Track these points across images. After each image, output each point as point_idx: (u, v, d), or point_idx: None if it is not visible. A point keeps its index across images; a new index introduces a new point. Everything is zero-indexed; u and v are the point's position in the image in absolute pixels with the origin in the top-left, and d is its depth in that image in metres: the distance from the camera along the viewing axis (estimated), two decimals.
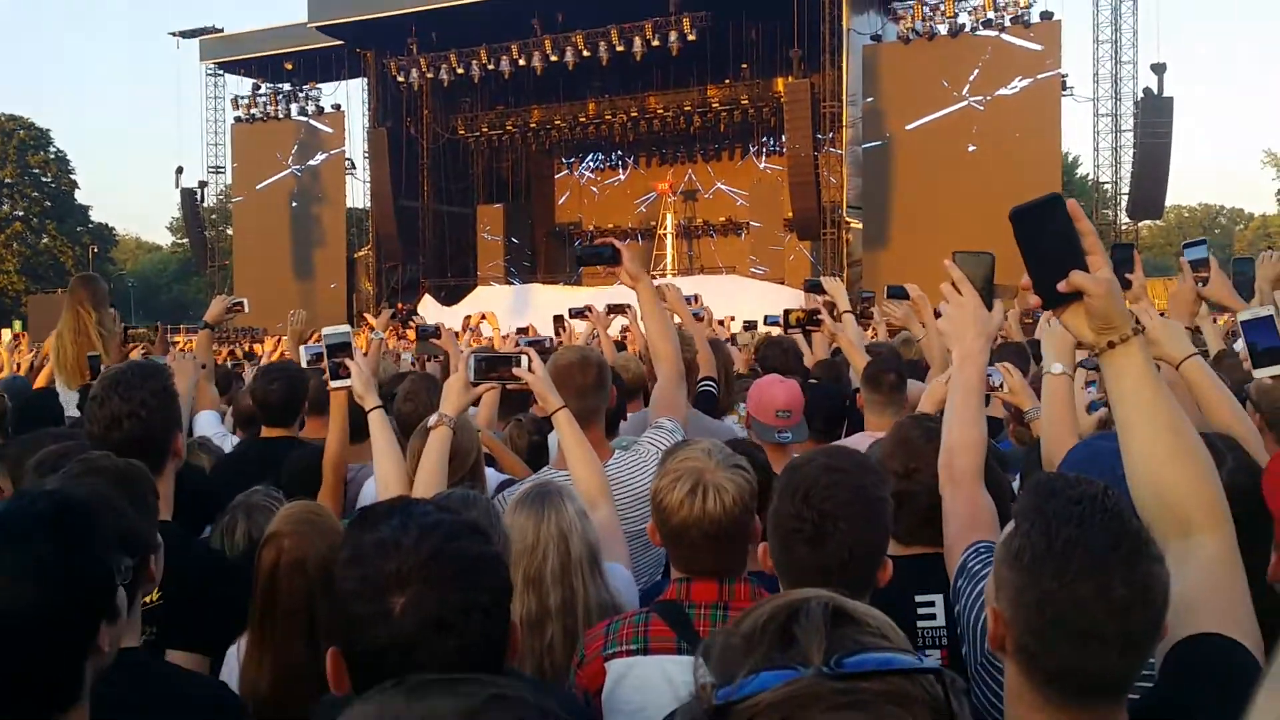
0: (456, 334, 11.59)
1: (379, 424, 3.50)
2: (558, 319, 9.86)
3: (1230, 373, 3.66)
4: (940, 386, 4.70)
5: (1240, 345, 3.30)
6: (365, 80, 39.81)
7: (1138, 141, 31.80)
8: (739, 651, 0.96)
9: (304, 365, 4.83)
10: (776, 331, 8.99)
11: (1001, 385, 4.26)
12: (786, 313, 6.81)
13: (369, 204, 39.99)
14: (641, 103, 37.82)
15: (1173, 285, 4.56)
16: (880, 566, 2.27)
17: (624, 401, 5.20)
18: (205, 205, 45.13)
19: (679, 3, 31.85)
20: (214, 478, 4.54)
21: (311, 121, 41.17)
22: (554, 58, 34.15)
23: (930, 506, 2.68)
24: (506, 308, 27.48)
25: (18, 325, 36.57)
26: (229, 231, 45.77)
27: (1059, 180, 31.54)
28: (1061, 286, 1.79)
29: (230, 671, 2.72)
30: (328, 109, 41.22)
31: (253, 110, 42.08)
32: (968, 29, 31.17)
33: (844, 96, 31.74)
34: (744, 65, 35.59)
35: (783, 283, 32.94)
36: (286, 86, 41.87)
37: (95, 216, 65.76)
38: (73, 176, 63.67)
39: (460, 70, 35.80)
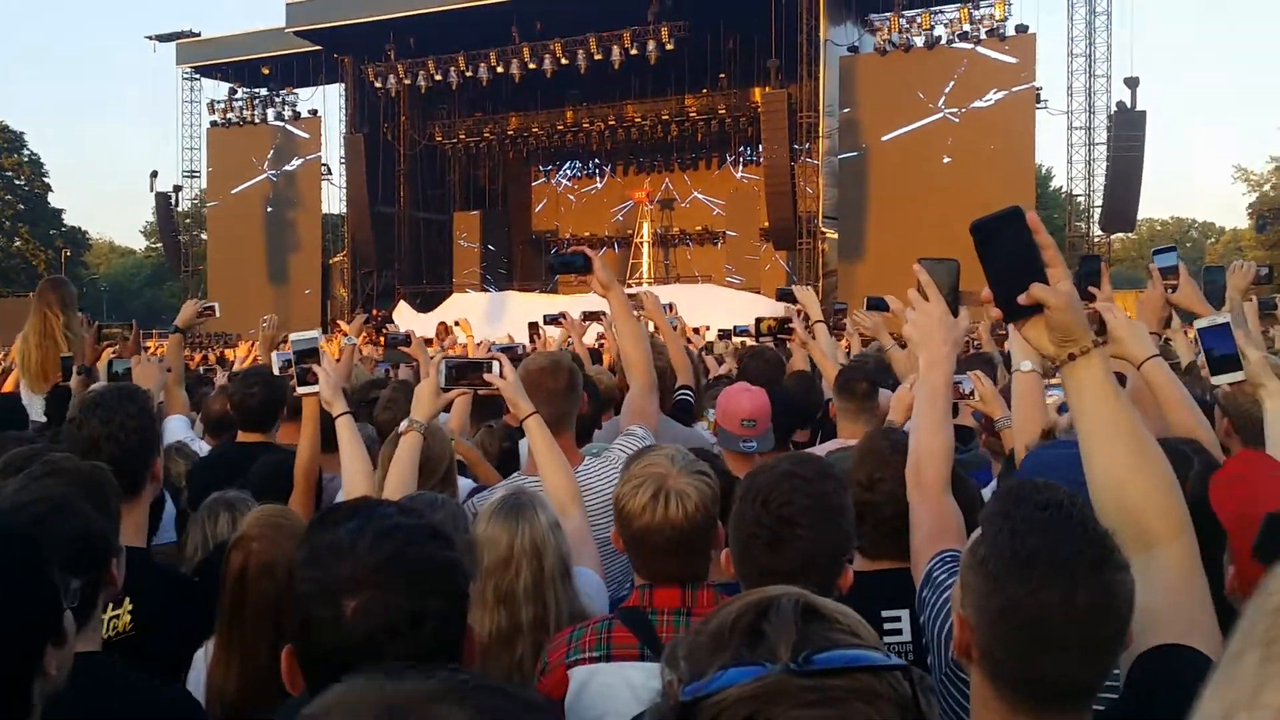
0: (429, 341, 11.56)
1: (346, 430, 3.49)
2: (533, 326, 9.85)
3: (1200, 382, 3.69)
4: (909, 394, 4.71)
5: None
6: (342, 86, 39.70)
7: (1110, 155, 32.05)
8: (708, 649, 0.96)
9: (276, 372, 4.80)
10: (749, 341, 9.01)
11: (972, 393, 4.28)
12: (758, 321, 6.82)
13: (345, 210, 39.86)
14: (619, 111, 37.84)
15: (1142, 294, 4.59)
16: (840, 573, 2.27)
17: (598, 411, 5.20)
18: (180, 209, 44.86)
19: (657, 12, 31.90)
20: (189, 481, 4.52)
21: (288, 127, 41.01)
22: (532, 65, 34.16)
23: (895, 517, 2.68)
24: (482, 315, 27.39)
25: None
26: (203, 236, 45.51)
27: (1033, 192, 31.76)
28: (1022, 299, 1.79)
29: (197, 674, 2.70)
30: (304, 114, 41.08)
31: (229, 115, 41.89)
32: (944, 41, 31.36)
33: (821, 107, 31.87)
34: (722, 75, 35.71)
35: (758, 292, 32.94)
36: (263, 91, 41.71)
37: (69, 220, 65.24)
38: (46, 179, 63.18)
39: (438, 77, 35.75)
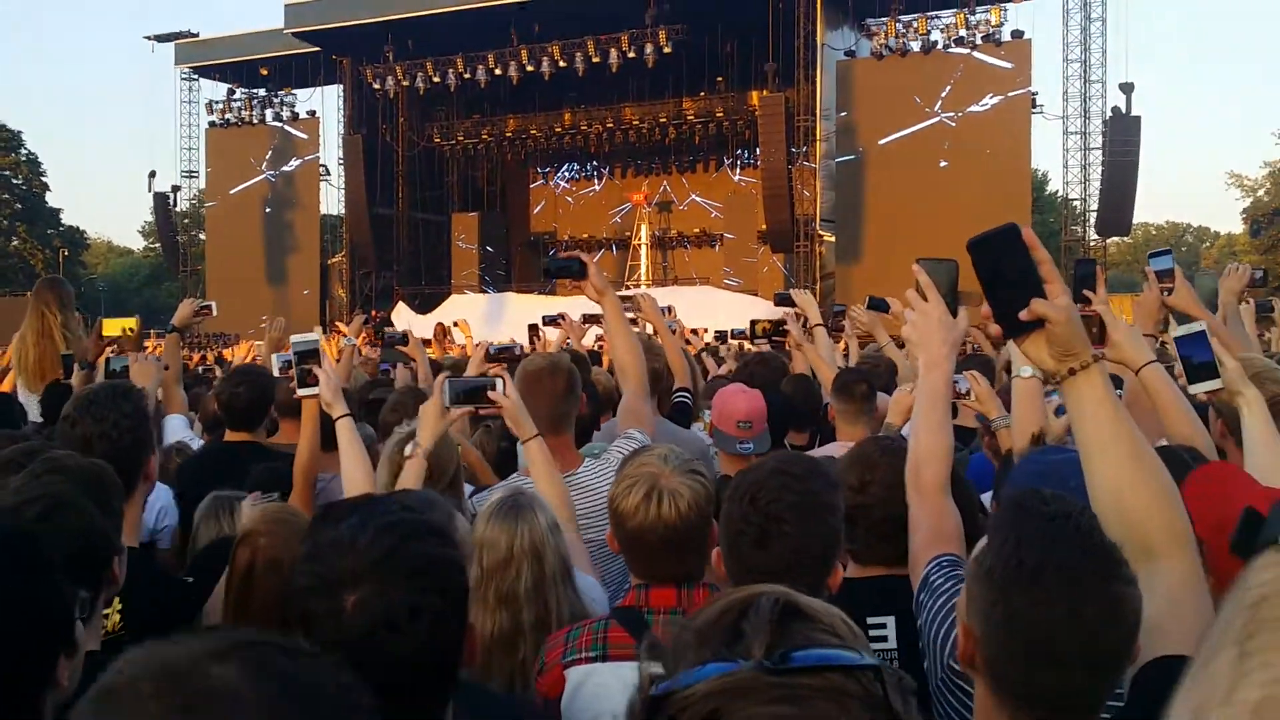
0: (427, 342, 11.56)
1: (346, 432, 3.50)
2: (532, 328, 9.84)
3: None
4: (906, 395, 4.73)
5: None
6: (341, 87, 39.65)
7: (1106, 159, 32.11)
8: (690, 645, 0.97)
9: (275, 373, 4.81)
10: (746, 344, 9.01)
11: (969, 393, 4.29)
12: (753, 323, 6.83)
13: (343, 211, 39.82)
14: (617, 114, 37.81)
15: (1138, 297, 4.59)
16: (830, 573, 2.28)
17: (596, 412, 5.20)
18: (178, 209, 44.82)
19: (655, 15, 31.90)
20: (178, 480, 4.53)
21: (286, 127, 40.98)
22: (530, 68, 34.14)
23: (884, 520, 2.68)
24: (481, 316, 27.39)
25: None
26: (201, 236, 45.47)
27: (1028, 196, 31.79)
28: (1023, 315, 1.79)
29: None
30: (303, 115, 41.04)
31: (227, 115, 41.84)
32: (940, 46, 31.39)
33: (818, 111, 31.89)
34: (719, 78, 35.70)
35: (756, 294, 32.97)
36: (262, 92, 41.67)
37: (66, 219, 65.17)
38: (44, 179, 63.08)
39: (436, 78, 35.73)
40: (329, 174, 41.14)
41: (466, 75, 35.21)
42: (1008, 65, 30.51)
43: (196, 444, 5.46)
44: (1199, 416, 3.16)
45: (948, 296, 2.37)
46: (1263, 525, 0.81)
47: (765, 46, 31.66)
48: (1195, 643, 1.70)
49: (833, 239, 32.61)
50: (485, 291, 38.66)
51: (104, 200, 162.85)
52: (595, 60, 33.27)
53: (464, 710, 1.74)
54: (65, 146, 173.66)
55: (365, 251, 38.66)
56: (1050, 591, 1.58)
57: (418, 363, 6.78)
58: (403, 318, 31.41)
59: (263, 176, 41.08)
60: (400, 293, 38.65)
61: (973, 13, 30.64)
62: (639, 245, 39.66)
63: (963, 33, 30.82)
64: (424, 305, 36.08)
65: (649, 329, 5.94)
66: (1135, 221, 36.38)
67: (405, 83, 36.40)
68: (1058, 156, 37.86)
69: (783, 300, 6.96)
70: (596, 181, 43.46)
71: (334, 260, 40.94)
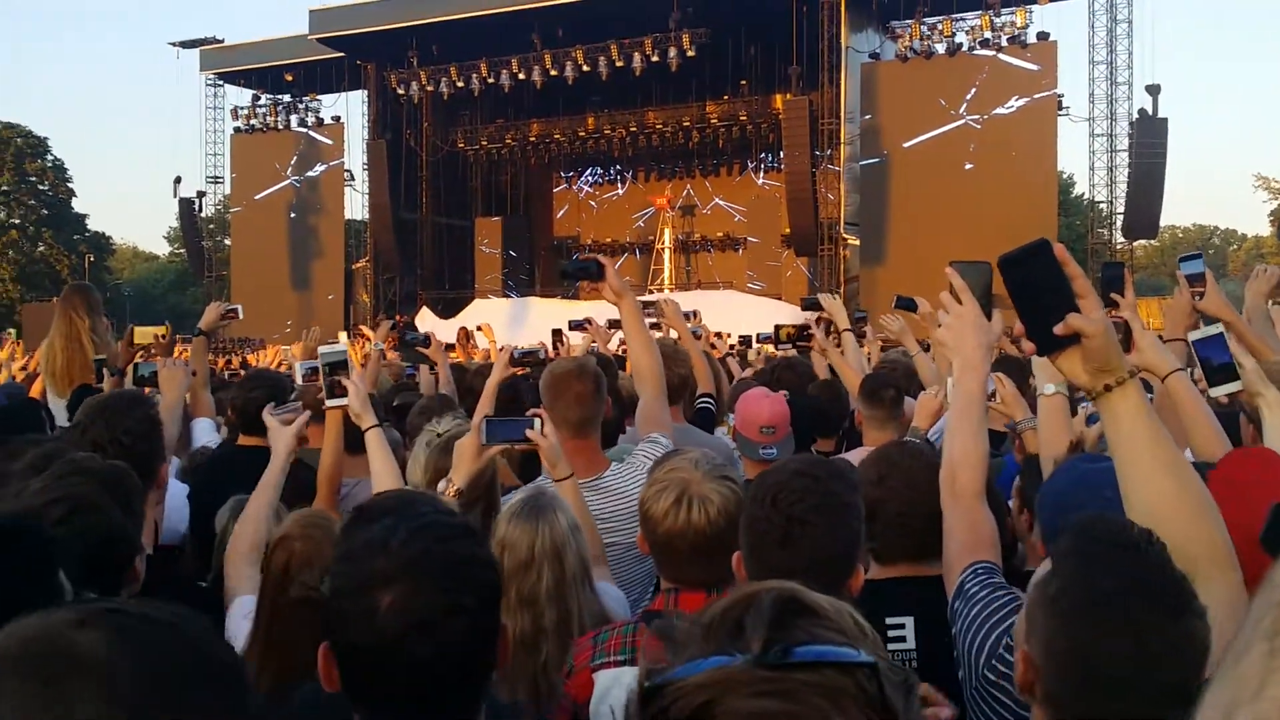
0: (450, 346, 11.57)
1: (376, 443, 3.49)
2: (556, 333, 9.85)
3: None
4: (931, 399, 4.70)
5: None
6: (365, 92, 39.88)
7: (1133, 162, 31.92)
8: (697, 639, 0.97)
9: (299, 380, 4.81)
10: (770, 349, 8.98)
11: (994, 395, 4.25)
12: (777, 328, 6.80)
13: (367, 216, 40.02)
14: (640, 118, 37.90)
15: (1169, 303, 4.55)
16: (851, 573, 2.26)
17: (621, 417, 5.19)
18: (203, 215, 45.14)
19: (678, 19, 31.94)
20: (191, 484, 4.54)
21: (311, 133, 41.22)
22: (554, 72, 34.23)
23: (899, 515, 2.66)
24: (504, 321, 27.48)
25: (12, 333, 36.52)
26: (226, 242, 45.77)
27: (1054, 199, 31.65)
28: (1059, 329, 1.76)
29: (236, 632, 2.73)
30: (327, 120, 41.30)
31: (252, 121, 42.13)
32: (965, 48, 31.31)
33: (842, 114, 31.85)
34: (743, 82, 35.71)
35: (779, 298, 32.97)
36: (286, 98, 41.93)
37: (92, 225, 65.74)
38: (70, 185, 63.61)
39: (460, 83, 35.87)
40: (353, 179, 41.40)
41: (490, 80, 35.33)
42: (1033, 67, 30.40)
43: None
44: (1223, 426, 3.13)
45: (982, 299, 2.34)
46: None
47: (789, 49, 31.62)
48: None
49: (857, 242, 32.55)
50: (508, 296, 38.79)
51: (129, 206, 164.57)
52: (619, 64, 33.32)
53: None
54: (91, 152, 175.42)
55: (389, 256, 38.83)
56: (1118, 624, 1.54)
57: (439, 366, 6.77)
58: (426, 322, 31.51)
59: (287, 182, 41.32)
60: (424, 297, 38.82)
61: (998, 15, 30.55)
62: (662, 249, 39.71)
63: (988, 35, 30.74)
64: (447, 310, 36.23)
65: (673, 334, 5.93)
66: (1162, 224, 36.11)
67: (429, 88, 36.56)
68: (1084, 159, 37.76)
69: (810, 305, 6.93)
70: (620, 185, 43.55)
71: (358, 265, 41.12)
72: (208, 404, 5.70)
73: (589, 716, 2.48)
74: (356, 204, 41.97)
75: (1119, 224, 33.34)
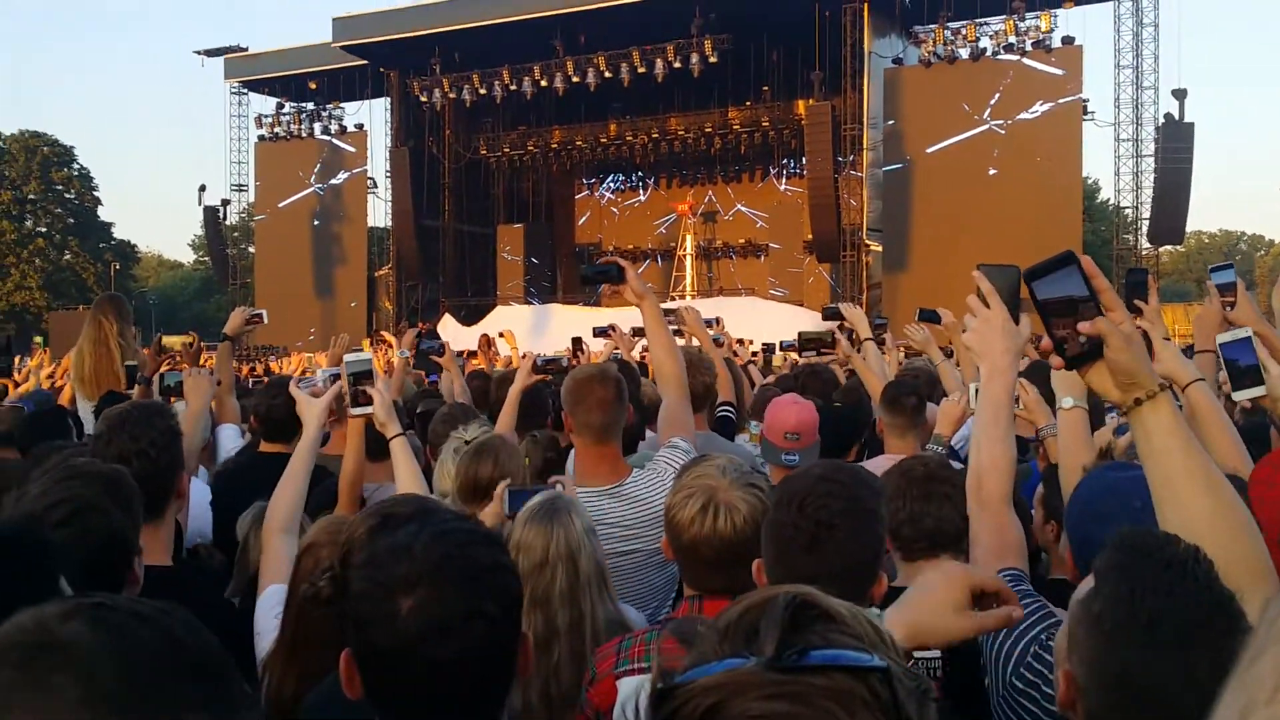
0: (473, 353, 11.58)
1: (401, 452, 3.49)
2: (576, 340, 9.86)
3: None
4: (953, 406, 4.67)
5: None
6: (388, 100, 40.05)
7: (1158, 167, 31.73)
8: (712, 642, 0.97)
9: (320, 387, 4.82)
10: (794, 357, 8.97)
11: (1016, 401, 4.22)
12: (800, 335, 6.78)
13: (390, 223, 40.17)
14: (662, 124, 37.93)
15: (1195, 309, 4.52)
16: (874, 580, 2.25)
17: (643, 422, 5.19)
18: (227, 223, 45.43)
19: (701, 25, 31.95)
20: (214, 492, 4.56)
21: (334, 140, 41.43)
22: (576, 79, 34.29)
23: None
24: (526, 328, 27.52)
25: (40, 341, 36.80)
26: (251, 249, 46.05)
27: (1079, 204, 31.49)
28: (1084, 328, 1.74)
29: (264, 628, 2.74)
30: (350, 128, 41.49)
31: (276, 129, 42.37)
32: (989, 53, 31.19)
33: (865, 119, 31.78)
34: (765, 87, 35.68)
35: (801, 305, 32.93)
36: (310, 105, 42.18)
37: (118, 233, 66.30)
38: (96, 193, 64.26)
39: (482, 90, 35.98)
40: (376, 187, 41.62)
41: (512, 87, 35.43)
42: (1058, 72, 30.26)
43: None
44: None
45: (1009, 303, 2.30)
46: None
47: (811, 55, 31.59)
48: None
49: (879, 249, 32.46)
50: (530, 303, 38.86)
51: (155, 214, 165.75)
52: (640, 71, 33.36)
53: None
54: (117, 161, 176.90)
55: (411, 263, 38.97)
56: (1165, 645, 1.49)
57: (453, 376, 6.77)
58: (448, 329, 31.62)
59: (311, 190, 41.54)
60: (446, 304, 38.94)
61: (1022, 19, 30.42)
62: (684, 256, 39.72)
63: (1012, 39, 30.62)
64: (469, 317, 36.34)
65: (694, 342, 5.92)
66: (1188, 229, 35.87)
67: (452, 95, 36.69)
68: (1109, 164, 37.54)
69: (831, 314, 6.91)
70: (642, 192, 43.59)
71: (381, 272, 41.28)
72: (233, 410, 5.72)
73: None
74: (379, 211, 42.25)
75: (1144, 229, 33.15)
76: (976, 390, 2.58)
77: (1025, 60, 30.57)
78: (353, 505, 3.98)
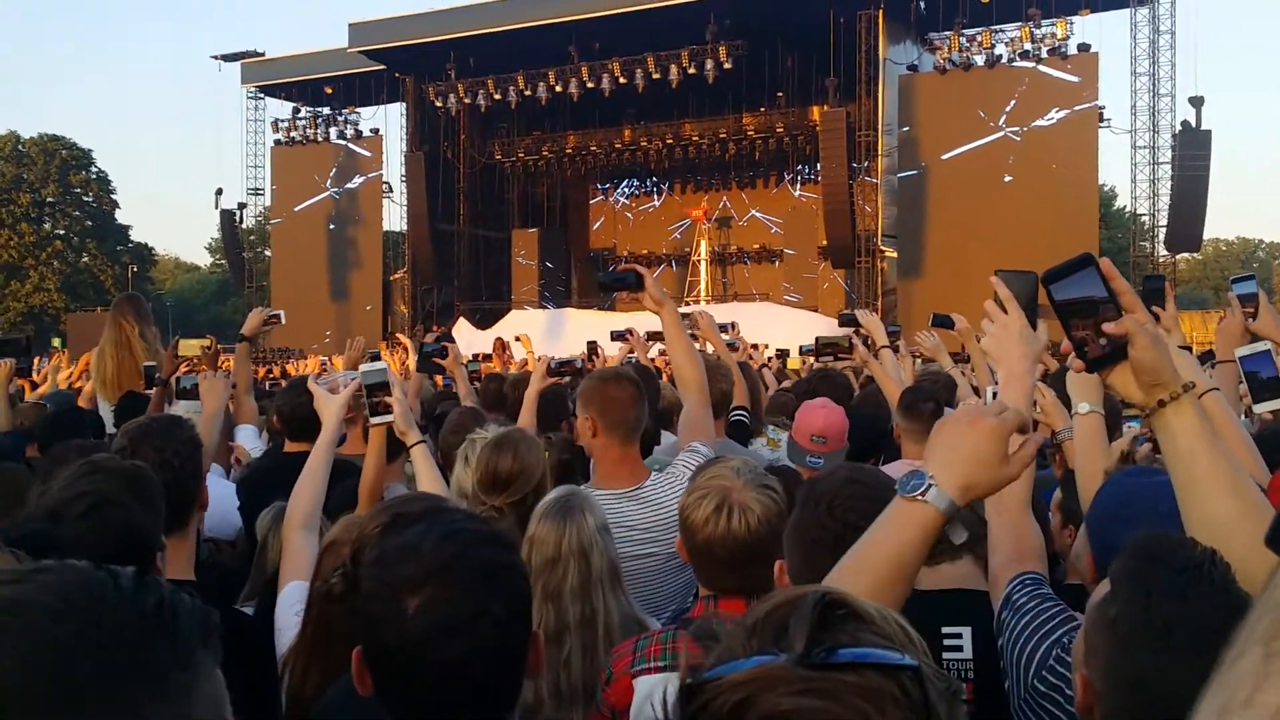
0: (487, 356, 11.60)
1: (422, 459, 3.50)
2: (591, 345, 9.88)
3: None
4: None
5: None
6: (404, 105, 40.17)
7: (1175, 174, 31.59)
8: (740, 639, 0.97)
9: (338, 384, 4.83)
10: (811, 361, 8.96)
11: (1034, 404, 4.21)
12: (818, 340, 6.77)
13: (405, 227, 40.28)
14: (677, 130, 37.94)
15: (1212, 320, 4.51)
16: None
17: (659, 426, 5.19)
18: (244, 226, 45.59)
19: (716, 31, 31.97)
20: (239, 490, 4.58)
21: (350, 145, 41.56)
22: (590, 84, 34.34)
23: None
24: (540, 332, 27.53)
25: (57, 342, 37.02)
26: (267, 253, 46.21)
27: (1096, 212, 31.39)
28: (1110, 328, 1.73)
29: (284, 625, 2.75)
30: (366, 133, 41.62)
31: (292, 133, 42.51)
32: (1004, 60, 31.13)
33: (879, 126, 31.74)
34: (779, 94, 35.66)
35: (816, 310, 32.90)
36: (326, 110, 42.30)
37: (135, 236, 66.62)
38: (113, 196, 64.60)
39: (498, 96, 36.05)
40: (391, 191, 41.73)
41: (527, 92, 35.49)
42: (1074, 79, 30.17)
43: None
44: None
45: (1027, 309, 2.30)
46: None
47: (826, 61, 31.56)
48: None
49: (894, 255, 32.41)
50: (545, 307, 38.91)
51: (172, 217, 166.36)
52: (655, 76, 33.38)
53: None
54: (134, 165, 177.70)
55: (427, 267, 39.06)
56: (1181, 650, 1.48)
57: (457, 380, 6.77)
58: (463, 333, 31.66)
59: (327, 193, 41.67)
60: (461, 308, 39.00)
61: (1038, 26, 30.33)
62: (699, 261, 39.71)
63: (1028, 46, 30.54)
64: (484, 320, 36.39)
65: (709, 348, 5.93)
66: (1205, 237, 35.72)
67: (467, 100, 36.76)
68: (1126, 171, 37.41)
69: (847, 321, 6.90)
70: (656, 197, 43.61)
71: (396, 276, 41.38)
72: (251, 410, 5.75)
73: None
74: (395, 216, 42.35)
75: (1161, 237, 33.01)
76: (994, 395, 2.58)
77: (1041, 67, 30.48)
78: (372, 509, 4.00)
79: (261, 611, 3.09)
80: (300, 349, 33.02)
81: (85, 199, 63.19)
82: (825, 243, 33.86)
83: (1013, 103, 30.68)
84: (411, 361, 7.46)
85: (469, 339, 27.71)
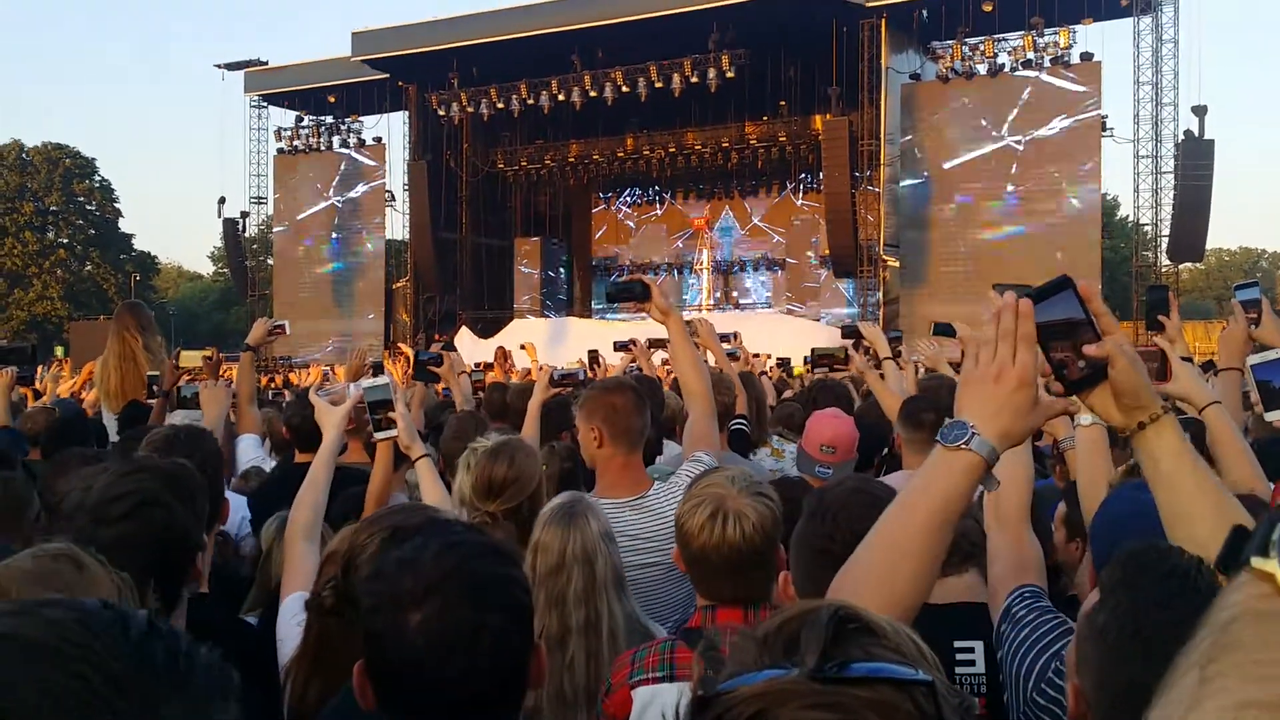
0: (489, 365, 11.60)
1: (427, 472, 3.51)
2: (592, 354, 9.88)
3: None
4: None
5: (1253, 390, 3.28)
6: (406, 113, 40.16)
7: (1178, 184, 31.57)
8: (751, 652, 0.97)
9: (340, 395, 4.84)
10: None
11: None
12: (814, 351, 6.78)
13: (408, 236, 40.30)
14: (679, 139, 37.95)
15: (1215, 329, 4.51)
16: None
17: (661, 434, 5.19)
18: (247, 235, 45.61)
19: (718, 40, 32.01)
20: (252, 504, 4.58)
21: (353, 153, 41.58)
22: (593, 93, 34.35)
23: None
24: (543, 341, 27.52)
25: (60, 351, 37.03)
26: (269, 261, 46.24)
27: (1098, 221, 31.38)
28: (1090, 350, 1.72)
29: (286, 635, 2.75)
30: (369, 141, 41.63)
31: (295, 142, 42.53)
32: (1007, 69, 31.14)
33: (882, 134, 31.73)
34: (782, 103, 35.66)
35: (819, 320, 32.90)
36: (329, 119, 42.33)
37: (138, 244, 66.73)
38: (117, 205, 64.67)
39: (500, 104, 36.06)
40: (394, 199, 41.71)
41: (530, 101, 35.51)
42: (1077, 88, 30.18)
43: (269, 464, 5.53)
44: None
45: None
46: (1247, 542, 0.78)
47: (829, 70, 31.59)
48: None
49: (897, 264, 32.40)
50: (547, 316, 38.93)
51: (175, 226, 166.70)
52: (658, 85, 33.39)
53: None
54: (138, 173, 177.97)
55: (429, 276, 39.05)
56: (1167, 658, 1.48)
57: (453, 388, 6.76)
58: (465, 342, 31.66)
59: (330, 202, 41.68)
60: (463, 317, 39.00)
61: (1041, 35, 30.33)
62: (701, 270, 39.71)
63: (1030, 55, 30.55)
64: (486, 329, 36.38)
65: (709, 357, 5.93)
66: (1208, 246, 35.69)
67: (470, 109, 36.79)
68: (1128, 181, 37.39)
69: (850, 332, 6.90)
70: (659, 206, 43.62)
71: (398, 285, 41.38)
72: (254, 420, 5.75)
73: None
74: (397, 224, 42.35)
75: (1164, 246, 32.97)
76: None
77: (1044, 76, 30.49)
78: None
79: (264, 622, 3.09)
80: (304, 358, 33.02)
81: (89, 207, 63.28)
82: (828, 252, 33.85)
83: (1015, 111, 30.69)
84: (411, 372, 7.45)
85: (471, 348, 27.72)
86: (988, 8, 29.76)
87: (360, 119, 41.61)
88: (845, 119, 31.77)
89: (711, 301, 39.14)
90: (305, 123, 42.60)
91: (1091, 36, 34.72)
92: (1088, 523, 2.82)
